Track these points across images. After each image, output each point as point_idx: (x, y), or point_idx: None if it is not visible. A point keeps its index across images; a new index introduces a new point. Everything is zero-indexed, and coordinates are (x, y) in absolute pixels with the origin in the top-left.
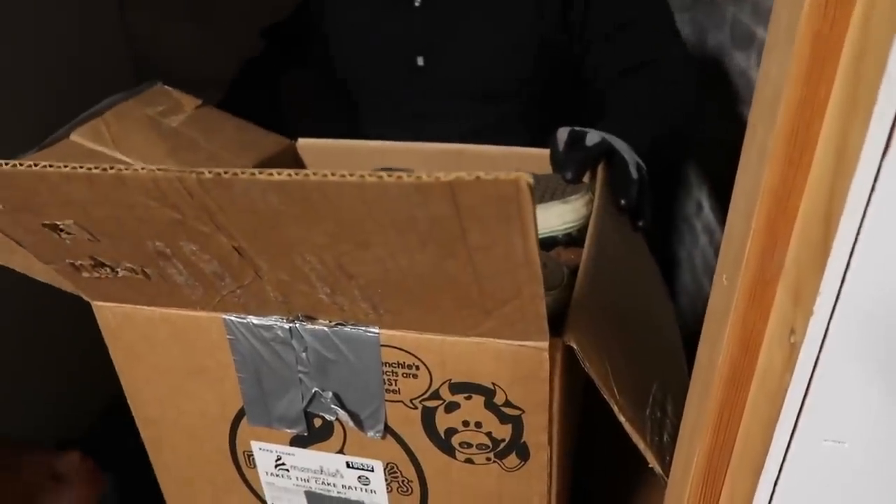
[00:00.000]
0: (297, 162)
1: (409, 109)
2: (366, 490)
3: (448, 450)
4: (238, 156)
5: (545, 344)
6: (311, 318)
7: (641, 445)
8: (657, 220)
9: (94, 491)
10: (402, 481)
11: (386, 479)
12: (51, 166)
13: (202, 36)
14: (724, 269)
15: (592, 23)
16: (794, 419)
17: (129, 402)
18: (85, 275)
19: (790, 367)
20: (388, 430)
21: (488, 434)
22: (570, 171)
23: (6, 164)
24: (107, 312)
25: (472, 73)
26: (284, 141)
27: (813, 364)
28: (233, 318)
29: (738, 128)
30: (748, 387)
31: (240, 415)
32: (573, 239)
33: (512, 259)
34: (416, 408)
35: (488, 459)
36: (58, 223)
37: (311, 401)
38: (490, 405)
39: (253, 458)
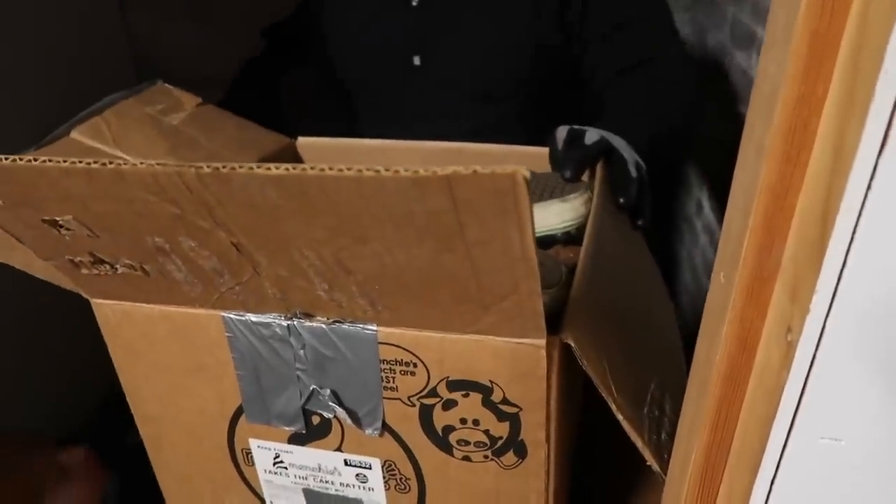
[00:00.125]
0: (296, 160)
1: (407, 109)
2: (364, 488)
3: (446, 447)
4: (238, 154)
5: (543, 341)
6: (309, 316)
7: (639, 444)
8: (657, 219)
9: (98, 486)
10: (400, 479)
11: (384, 477)
12: (50, 161)
13: (203, 36)
14: (721, 266)
15: (590, 23)
16: (791, 417)
17: (128, 399)
18: (84, 271)
19: (787, 364)
20: (385, 427)
21: (486, 432)
22: (568, 169)
23: (6, 159)
24: (106, 310)
25: (469, 73)
26: (284, 139)
27: (810, 362)
28: (231, 315)
29: (738, 127)
30: (746, 384)
31: (238, 412)
32: (572, 237)
33: (509, 254)
34: (413, 405)
35: (486, 457)
36: (57, 219)
37: (309, 398)
38: (488, 403)
39: (251, 456)
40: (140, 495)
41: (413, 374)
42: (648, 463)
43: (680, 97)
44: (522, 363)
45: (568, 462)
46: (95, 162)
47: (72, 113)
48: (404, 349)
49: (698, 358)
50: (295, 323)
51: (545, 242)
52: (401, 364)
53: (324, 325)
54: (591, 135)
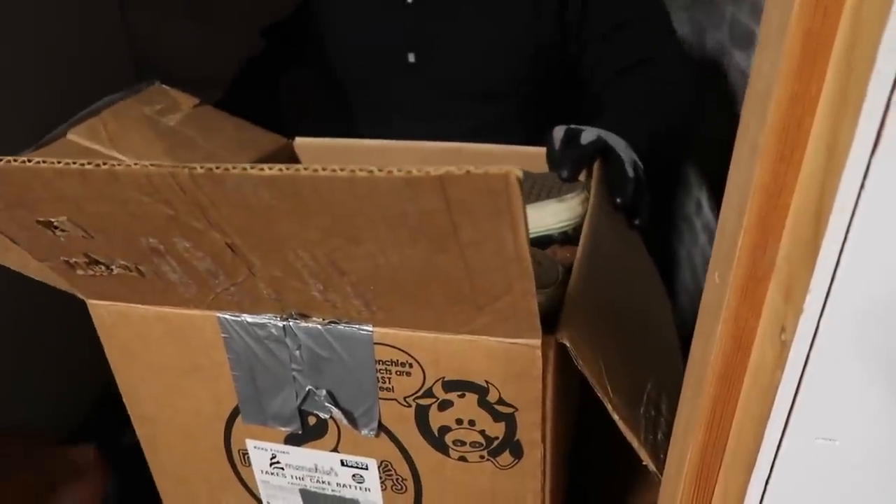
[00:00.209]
0: (294, 161)
1: (404, 109)
2: (360, 488)
3: (442, 448)
4: (236, 154)
5: (538, 341)
6: (304, 316)
7: (635, 443)
8: (656, 219)
9: (102, 485)
10: (397, 479)
11: (380, 478)
12: (44, 162)
13: (203, 35)
14: (716, 266)
15: (589, 23)
16: (786, 416)
17: (124, 400)
18: (79, 272)
19: (781, 364)
20: (381, 428)
21: (482, 432)
22: (565, 169)
23: (0, 160)
24: (102, 311)
25: (466, 72)
26: (282, 140)
27: (804, 361)
28: (227, 316)
29: (737, 127)
30: (740, 384)
31: (234, 413)
32: (569, 237)
33: (503, 254)
34: (409, 406)
35: (482, 457)
36: (52, 220)
37: (305, 399)
38: (483, 403)
39: (248, 457)
40: (137, 495)
41: (408, 374)
42: (644, 463)
43: (679, 97)
44: (517, 363)
45: (564, 462)
46: (89, 163)
47: (71, 113)
48: (399, 349)
49: (693, 357)
50: (290, 323)
51: (542, 242)
52: (396, 364)
53: (319, 326)
54: (588, 134)
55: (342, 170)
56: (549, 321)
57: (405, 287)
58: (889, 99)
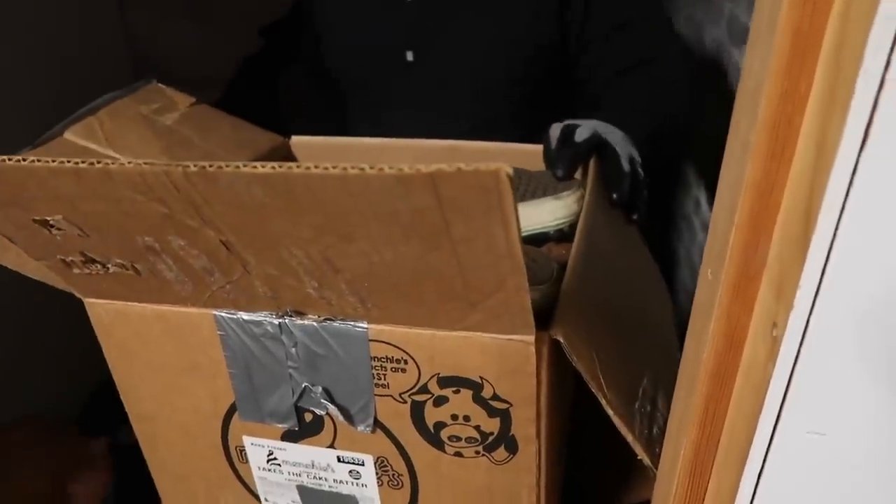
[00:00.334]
0: (291, 160)
1: (402, 108)
2: (357, 484)
3: (437, 443)
4: (233, 154)
5: (531, 338)
6: (300, 314)
7: (630, 438)
8: (655, 217)
9: (110, 477)
10: (393, 475)
11: (377, 473)
12: (38, 161)
13: (201, 35)
14: (709, 263)
15: (591, 23)
16: (777, 412)
17: (122, 398)
18: (76, 271)
19: (773, 360)
20: (377, 424)
21: (477, 427)
22: (560, 168)
23: None
24: (99, 309)
25: (464, 71)
26: (278, 139)
27: (794, 357)
28: (223, 314)
29: None
30: (733, 381)
31: (231, 410)
32: (565, 235)
33: (494, 251)
34: (405, 402)
35: (477, 453)
36: (47, 218)
37: (301, 396)
38: (478, 399)
39: (245, 454)
40: (134, 494)
41: (404, 370)
42: (640, 457)
43: (680, 96)
44: (512, 359)
45: (559, 457)
46: (83, 162)
47: (70, 112)
48: (395, 346)
49: (686, 356)
50: (286, 321)
51: (538, 240)
52: (391, 361)
53: (315, 323)
54: (583, 131)
55: (334, 168)
56: (544, 318)
57: (399, 284)
58: (876, 97)
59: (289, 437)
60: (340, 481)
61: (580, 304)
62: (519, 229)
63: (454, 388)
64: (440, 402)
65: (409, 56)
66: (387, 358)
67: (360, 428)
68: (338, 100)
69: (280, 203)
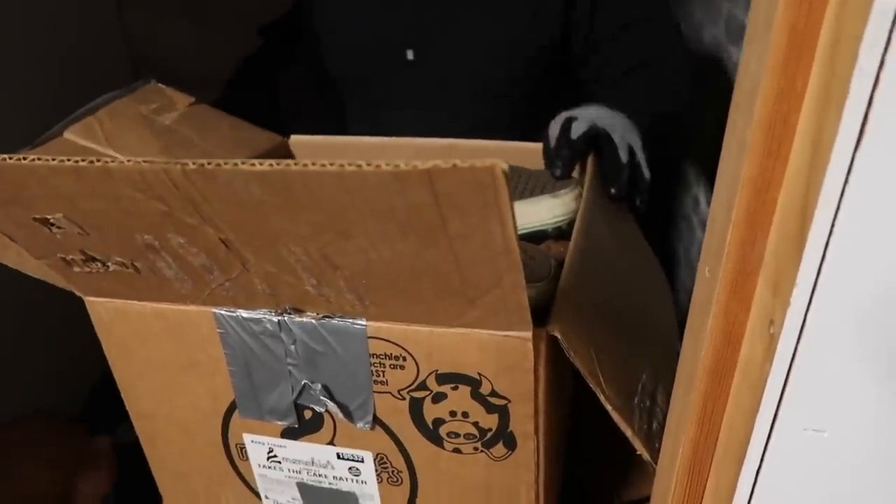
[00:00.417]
0: (290, 159)
1: (401, 109)
2: (356, 481)
3: (436, 440)
4: (231, 153)
5: (529, 334)
6: (299, 311)
7: (629, 433)
8: (656, 217)
9: (114, 476)
10: (392, 472)
11: (376, 470)
12: (39, 159)
13: (200, 35)
14: (706, 261)
15: (599, 23)
16: (775, 409)
17: (122, 396)
18: (76, 269)
19: (770, 357)
20: (376, 421)
21: (475, 424)
22: (558, 168)
23: None
24: (99, 308)
25: (465, 70)
26: (277, 138)
27: (792, 354)
28: (223, 311)
29: None
30: (731, 378)
31: (231, 408)
32: (563, 233)
33: (491, 247)
34: (403, 399)
35: (476, 449)
36: (48, 217)
37: (300, 393)
38: (476, 395)
39: (245, 451)
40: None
41: (402, 367)
42: (639, 452)
43: (682, 97)
44: (509, 356)
45: (558, 454)
46: (83, 160)
47: (68, 112)
48: (393, 343)
49: (685, 354)
50: (285, 318)
51: (536, 238)
52: (390, 358)
53: (313, 321)
54: (580, 124)
55: (331, 164)
56: (542, 315)
57: (396, 281)
58: (871, 95)
59: (289, 434)
60: (340, 478)
61: (577, 301)
62: (515, 226)
63: (452, 385)
64: (439, 398)
65: (410, 55)
66: (385, 355)
67: (360, 425)
68: (337, 100)
69: (278, 200)
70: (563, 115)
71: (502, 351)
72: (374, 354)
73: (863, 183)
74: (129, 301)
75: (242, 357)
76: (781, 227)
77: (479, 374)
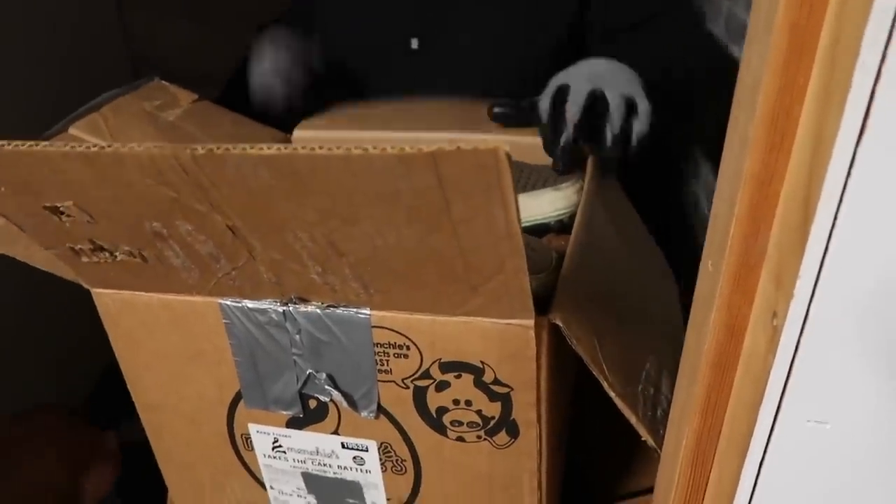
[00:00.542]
0: None
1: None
2: (361, 470)
3: (440, 428)
4: None
5: (531, 322)
6: (304, 301)
7: (633, 420)
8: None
9: (119, 472)
10: (396, 461)
11: (380, 459)
12: (51, 146)
13: (200, 34)
14: (709, 255)
15: (613, 19)
16: (778, 401)
17: (129, 388)
18: (84, 259)
19: (773, 349)
20: (381, 410)
21: (478, 412)
22: (558, 165)
23: (8, 145)
24: (106, 299)
25: (472, 65)
26: (280, 134)
27: (794, 346)
28: (228, 302)
29: None
30: (734, 371)
31: (237, 398)
32: (565, 226)
33: (494, 231)
34: (407, 387)
35: (479, 437)
36: (58, 205)
37: (305, 383)
38: (479, 383)
39: (251, 441)
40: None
41: (406, 356)
42: (643, 438)
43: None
44: (512, 344)
45: (560, 442)
46: (95, 145)
47: (68, 112)
48: (397, 332)
49: (688, 347)
50: (290, 308)
51: (538, 231)
52: (394, 347)
53: (318, 311)
54: (574, 96)
55: (338, 148)
56: (544, 306)
57: (401, 268)
58: (873, 89)
59: (293, 424)
60: (345, 467)
61: (579, 290)
62: (518, 209)
63: (456, 373)
64: (442, 387)
65: (414, 44)
66: (389, 344)
67: (364, 414)
68: (338, 98)
69: (286, 185)
70: (554, 83)
71: (505, 339)
72: (378, 344)
73: (865, 176)
74: (137, 292)
75: (248, 347)
76: (784, 220)
77: (482, 363)
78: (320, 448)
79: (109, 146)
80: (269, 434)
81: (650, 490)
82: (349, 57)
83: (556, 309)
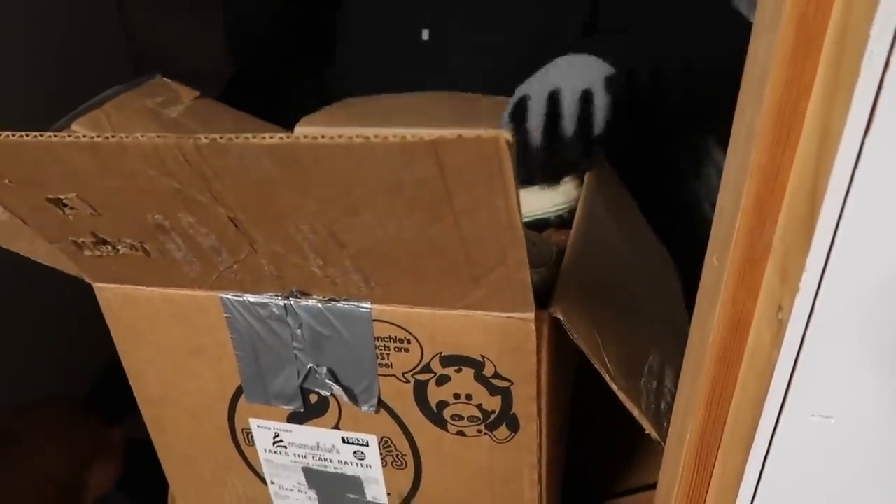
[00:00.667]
0: None
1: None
2: (361, 465)
3: (440, 422)
4: None
5: (531, 315)
6: (305, 294)
7: (636, 413)
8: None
9: (122, 467)
10: (397, 455)
11: (381, 454)
12: (56, 136)
13: (201, 32)
14: (714, 249)
15: (628, 14)
16: (783, 395)
17: (131, 383)
18: (87, 253)
19: (778, 343)
20: (381, 404)
21: (479, 406)
22: (537, 173)
23: (13, 135)
24: (108, 294)
25: (480, 57)
26: (282, 131)
27: (800, 340)
28: (230, 296)
29: None
30: (738, 365)
31: (238, 393)
32: (565, 221)
33: (496, 221)
34: (408, 381)
35: (479, 431)
36: (61, 197)
37: (306, 377)
38: (480, 377)
39: (251, 436)
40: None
41: (407, 350)
42: (647, 431)
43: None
44: (512, 337)
45: (561, 436)
46: (99, 136)
47: (69, 109)
48: (397, 326)
49: (692, 341)
50: (291, 302)
51: (539, 226)
52: (395, 341)
53: (319, 304)
54: (534, 104)
55: (340, 136)
56: (544, 301)
57: (402, 259)
58: (881, 79)
59: (294, 418)
60: (345, 462)
61: (580, 283)
62: (519, 199)
63: (456, 367)
64: (442, 381)
65: (425, 35)
66: (390, 338)
67: (365, 408)
68: (341, 91)
69: (288, 174)
70: (518, 93)
71: (505, 333)
72: (378, 337)
73: (872, 168)
74: (138, 287)
75: (249, 341)
76: (790, 212)
77: (483, 357)
78: (321, 443)
79: (113, 136)
80: (269, 429)
81: (651, 486)
82: (357, 45)
83: (556, 302)
